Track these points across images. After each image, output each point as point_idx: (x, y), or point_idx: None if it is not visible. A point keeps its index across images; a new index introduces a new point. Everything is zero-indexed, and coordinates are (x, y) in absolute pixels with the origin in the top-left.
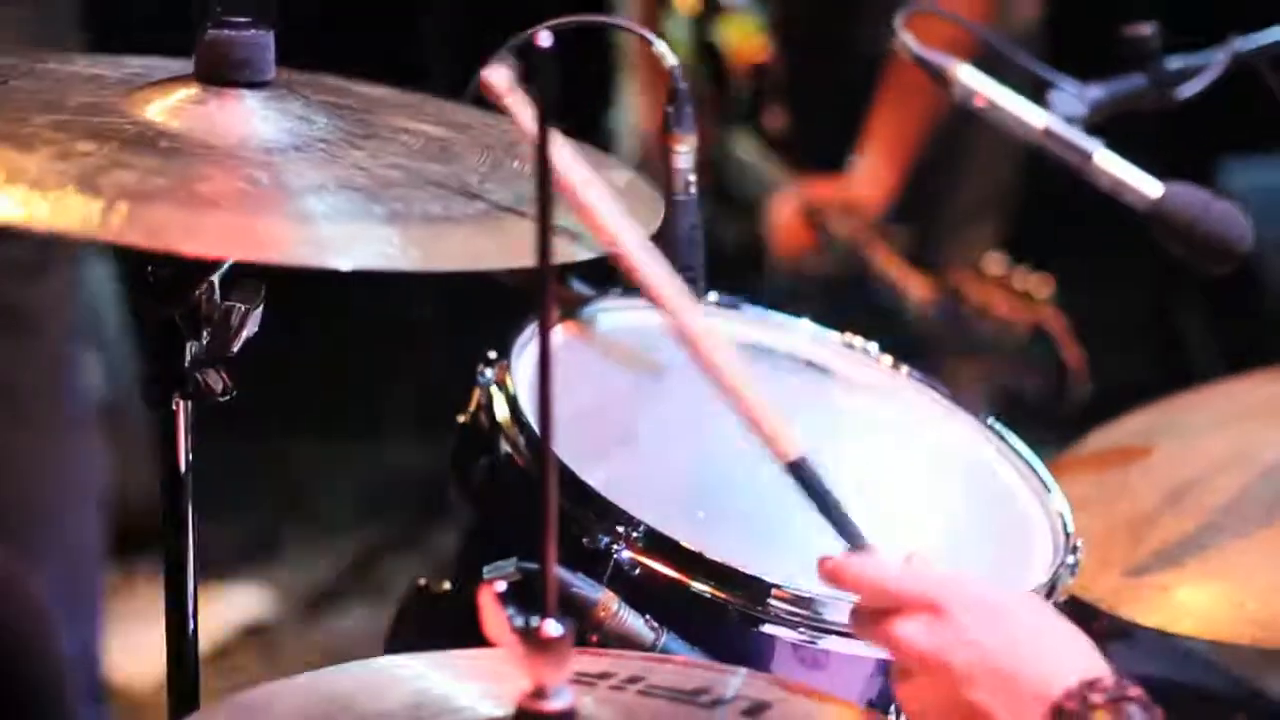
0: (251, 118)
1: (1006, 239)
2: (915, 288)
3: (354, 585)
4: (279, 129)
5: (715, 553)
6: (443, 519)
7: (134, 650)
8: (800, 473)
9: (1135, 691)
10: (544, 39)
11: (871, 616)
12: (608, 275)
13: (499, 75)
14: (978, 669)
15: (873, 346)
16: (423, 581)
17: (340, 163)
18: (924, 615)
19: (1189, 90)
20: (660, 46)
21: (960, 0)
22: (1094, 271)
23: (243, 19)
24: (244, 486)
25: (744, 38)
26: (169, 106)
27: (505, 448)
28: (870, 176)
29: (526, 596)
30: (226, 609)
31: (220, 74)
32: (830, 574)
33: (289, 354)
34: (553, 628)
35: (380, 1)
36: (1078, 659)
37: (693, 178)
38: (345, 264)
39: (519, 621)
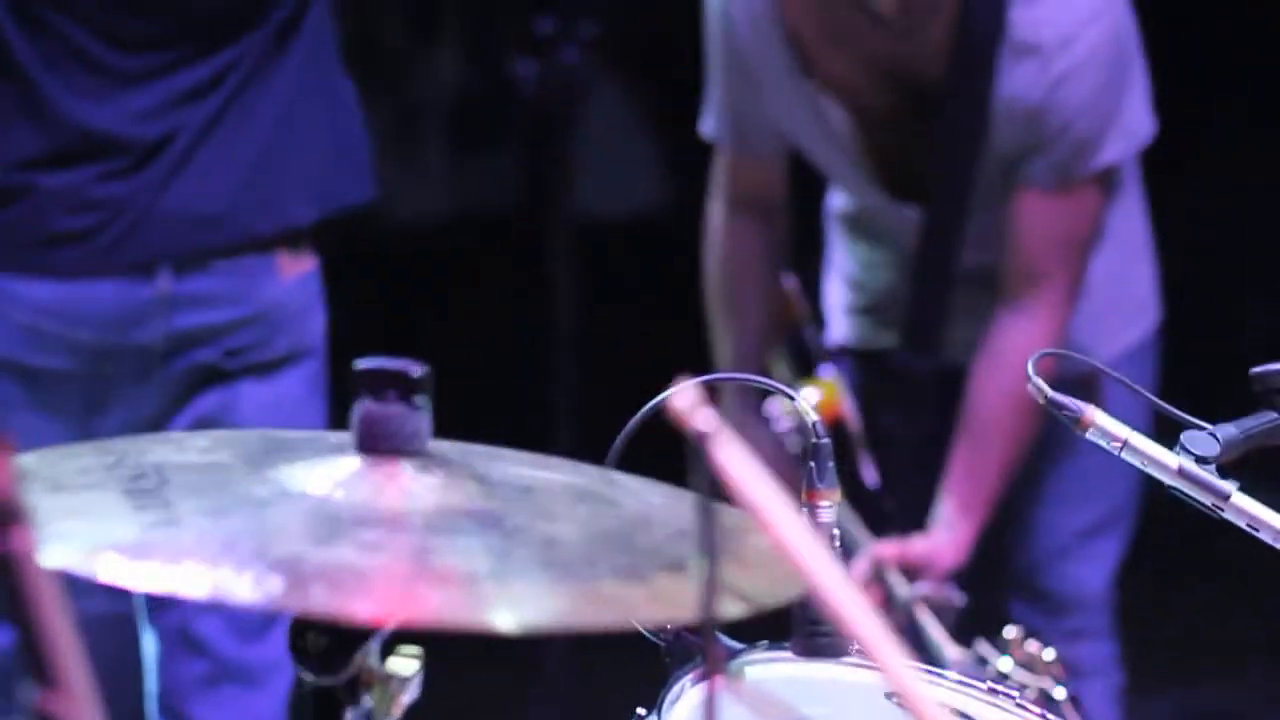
0: (413, 486)
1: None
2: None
3: None
4: (440, 496)
5: None
6: None
7: None
8: None
9: None
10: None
11: None
12: (751, 629)
13: (684, 399)
14: None
15: (1022, 689)
16: None
17: (500, 527)
18: None
19: None
20: (801, 403)
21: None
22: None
23: (397, 391)
24: None
25: (829, 400)
26: (332, 478)
27: None
28: (940, 534)
29: None
30: None
31: (378, 445)
32: None
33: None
34: None
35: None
36: None
37: (837, 532)
38: (511, 624)
39: None
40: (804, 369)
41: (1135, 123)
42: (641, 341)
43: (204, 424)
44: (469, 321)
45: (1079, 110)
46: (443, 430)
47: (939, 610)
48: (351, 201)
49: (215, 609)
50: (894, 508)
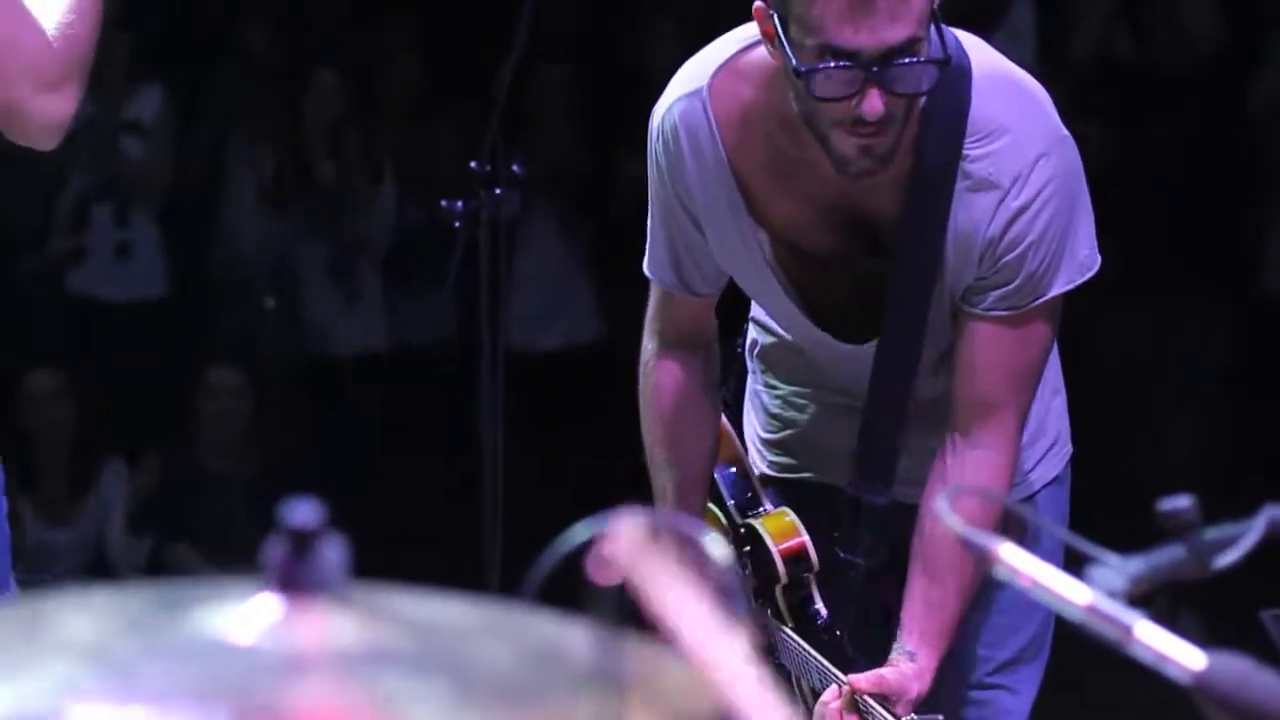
0: (333, 626)
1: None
2: None
3: None
4: (361, 636)
5: None
6: None
7: None
8: None
9: None
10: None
11: None
12: None
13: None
14: None
15: None
16: None
17: (426, 661)
18: None
19: (1227, 559)
20: (709, 543)
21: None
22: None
23: (313, 528)
24: None
25: (784, 531)
26: (244, 620)
27: None
28: (904, 665)
29: None
30: None
31: (294, 584)
32: None
33: None
34: None
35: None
36: None
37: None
38: None
39: None
40: (751, 502)
41: (1084, 254)
42: (574, 474)
43: None
44: (402, 451)
45: (1034, 243)
46: (371, 561)
47: None
48: None
49: None
50: (841, 637)
